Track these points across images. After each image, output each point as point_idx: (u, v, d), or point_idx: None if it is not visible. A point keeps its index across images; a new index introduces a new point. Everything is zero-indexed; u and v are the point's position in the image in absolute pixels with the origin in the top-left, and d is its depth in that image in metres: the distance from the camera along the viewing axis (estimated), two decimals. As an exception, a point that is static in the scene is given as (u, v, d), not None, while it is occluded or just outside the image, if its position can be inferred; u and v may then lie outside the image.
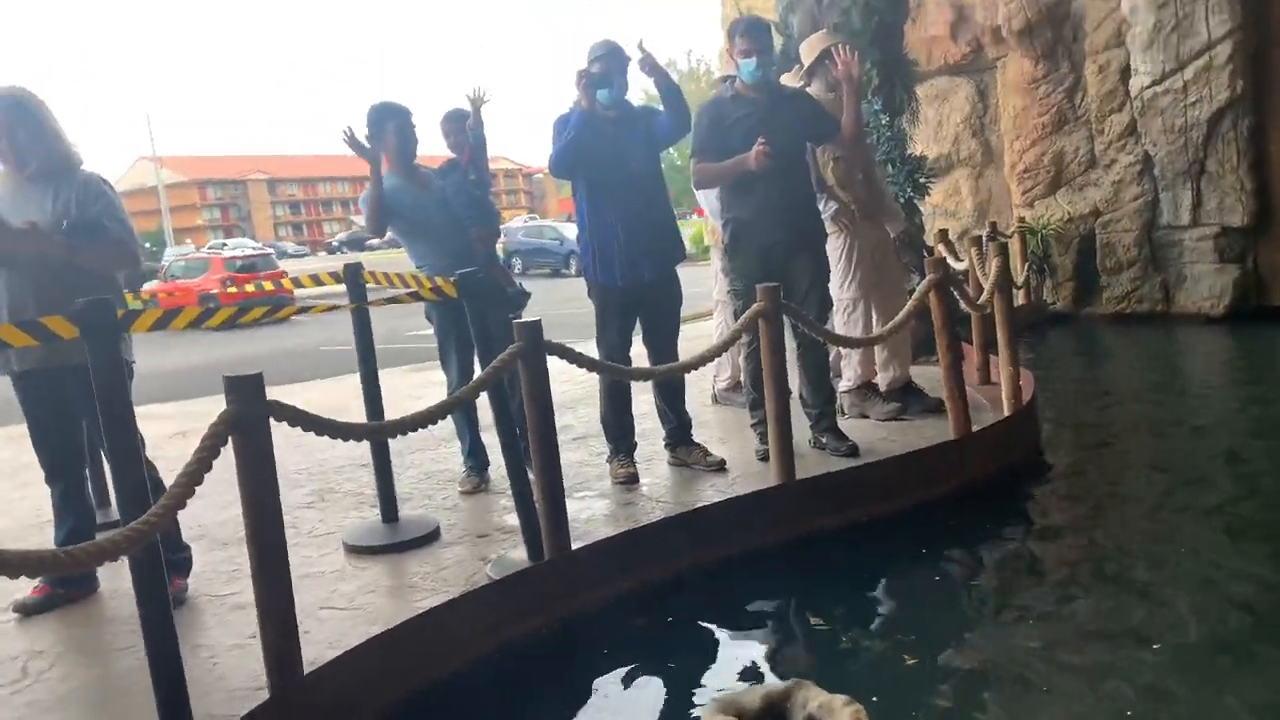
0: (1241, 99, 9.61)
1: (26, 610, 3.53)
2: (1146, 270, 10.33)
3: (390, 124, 4.71)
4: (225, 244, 45.27)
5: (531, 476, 3.57)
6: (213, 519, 4.40)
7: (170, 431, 6.44)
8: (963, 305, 5.50)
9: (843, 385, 5.72)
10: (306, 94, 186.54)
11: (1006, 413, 5.28)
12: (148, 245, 60.78)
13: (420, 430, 3.12)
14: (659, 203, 4.81)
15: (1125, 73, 10.25)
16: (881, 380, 5.77)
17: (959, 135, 11.81)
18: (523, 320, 3.48)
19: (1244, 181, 9.72)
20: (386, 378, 7.79)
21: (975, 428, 4.90)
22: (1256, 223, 9.79)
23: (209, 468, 2.45)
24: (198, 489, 2.38)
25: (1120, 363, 9.16)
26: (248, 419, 2.54)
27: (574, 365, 3.65)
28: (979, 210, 11.68)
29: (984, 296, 5.67)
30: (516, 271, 27.72)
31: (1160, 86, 9.89)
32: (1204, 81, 9.68)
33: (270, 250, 29.05)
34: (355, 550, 3.98)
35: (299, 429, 2.68)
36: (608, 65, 4.56)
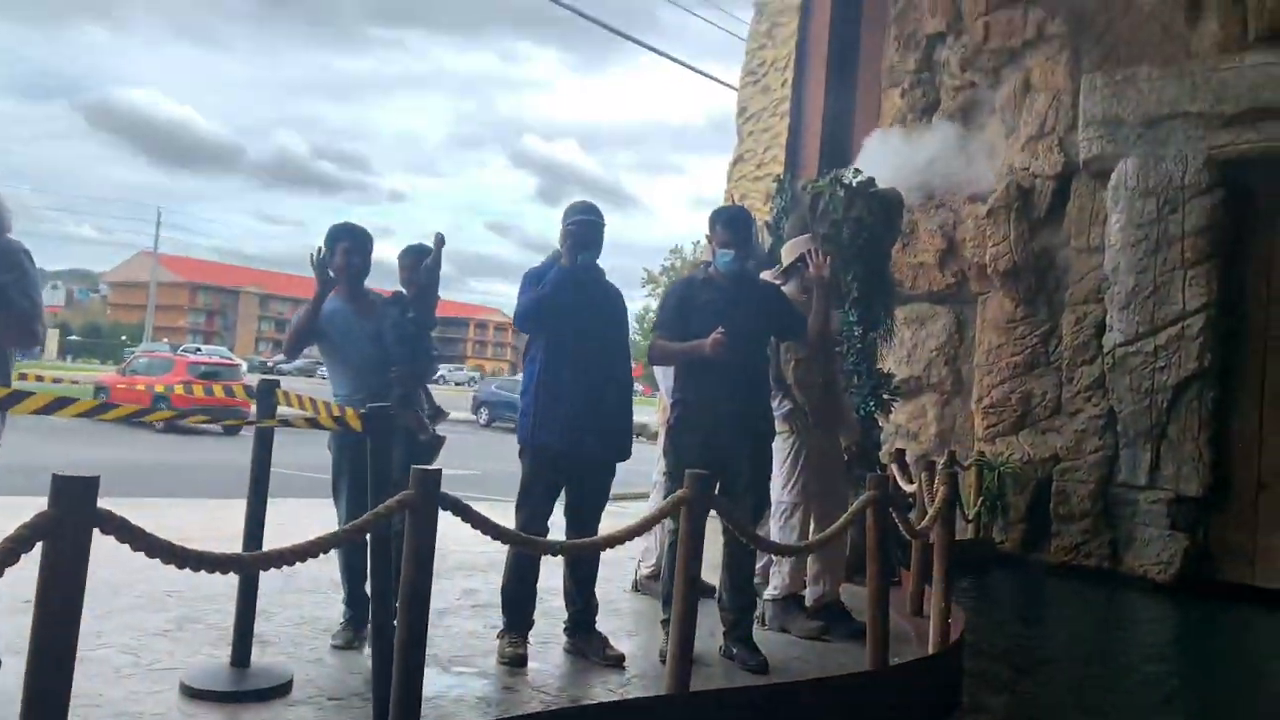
0: (1209, 371, 9.69)
1: None
2: (1098, 525, 10.16)
3: (342, 244, 4.57)
4: (199, 349, 45.05)
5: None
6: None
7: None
8: (902, 530, 5.27)
9: (768, 593, 5.42)
10: (301, 93, 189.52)
11: (931, 649, 4.99)
12: (124, 338, 60.54)
13: (306, 569, 2.82)
14: (618, 374, 4.66)
15: (1100, 328, 10.38)
16: (809, 595, 5.47)
17: (932, 361, 11.85)
18: (424, 467, 3.21)
19: (1202, 451, 9.68)
20: (302, 507, 7.54)
21: (895, 660, 4.60)
22: (1210, 495, 9.68)
23: (-1, 575, 2.15)
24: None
25: (1058, 617, 8.89)
26: (64, 526, 2.25)
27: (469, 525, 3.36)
28: (941, 437, 11.60)
29: (925, 523, 5.46)
30: (481, 423, 27.45)
31: (1132, 347, 9.98)
32: (1175, 349, 9.77)
33: (240, 362, 28.87)
34: (191, 693, 3.57)
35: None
36: (589, 228, 4.49)
